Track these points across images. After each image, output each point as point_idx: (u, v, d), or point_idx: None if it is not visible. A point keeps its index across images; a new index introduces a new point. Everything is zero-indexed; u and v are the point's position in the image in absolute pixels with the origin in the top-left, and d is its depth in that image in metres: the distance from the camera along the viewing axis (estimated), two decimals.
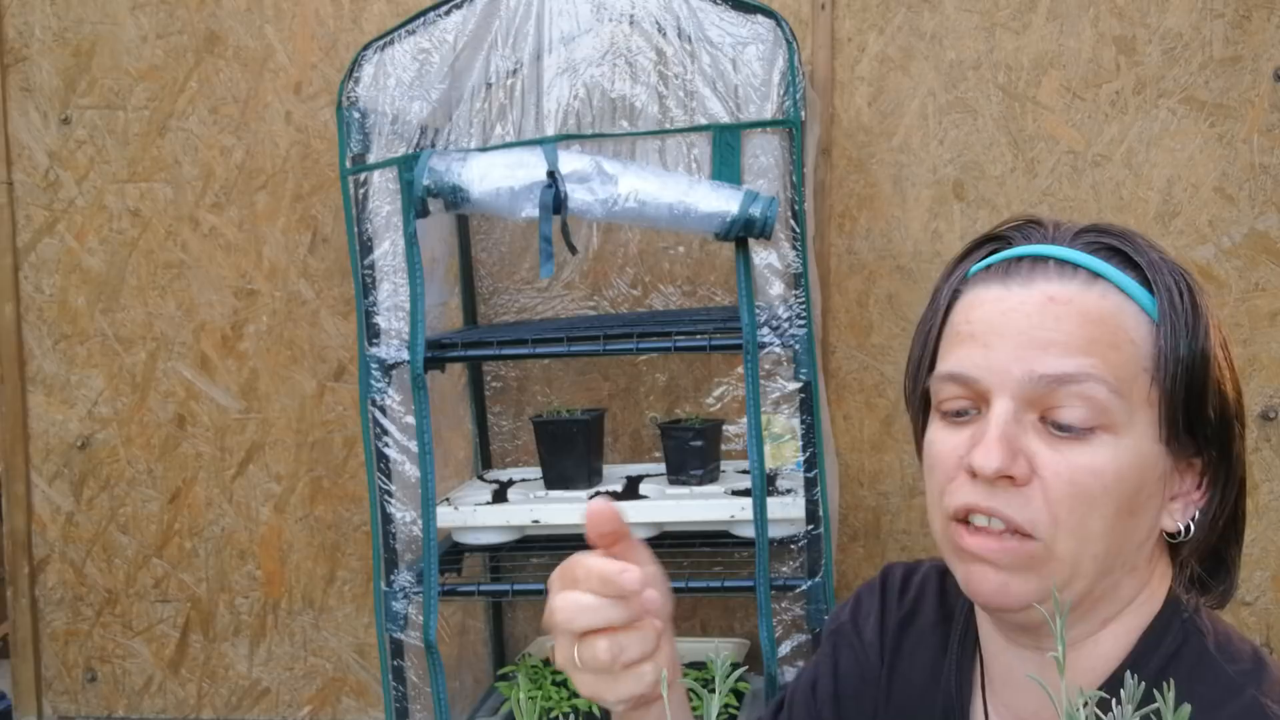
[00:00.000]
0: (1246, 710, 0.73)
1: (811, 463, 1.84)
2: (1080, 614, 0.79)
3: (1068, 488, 0.74)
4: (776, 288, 1.86)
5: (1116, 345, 0.75)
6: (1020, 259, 0.80)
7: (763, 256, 1.85)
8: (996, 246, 0.84)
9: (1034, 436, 0.75)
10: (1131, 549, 0.78)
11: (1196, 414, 0.78)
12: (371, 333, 1.92)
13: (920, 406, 0.86)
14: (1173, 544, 0.82)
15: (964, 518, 0.77)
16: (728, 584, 1.92)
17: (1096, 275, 0.77)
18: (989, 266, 0.82)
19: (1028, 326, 0.76)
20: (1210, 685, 0.75)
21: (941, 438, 0.80)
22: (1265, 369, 2.19)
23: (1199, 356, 0.77)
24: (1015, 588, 0.76)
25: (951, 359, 0.80)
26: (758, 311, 1.81)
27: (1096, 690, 0.79)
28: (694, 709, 2.03)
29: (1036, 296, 0.77)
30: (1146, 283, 0.78)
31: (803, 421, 1.86)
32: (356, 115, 1.91)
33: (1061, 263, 0.78)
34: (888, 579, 1.01)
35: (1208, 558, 0.84)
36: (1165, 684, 0.56)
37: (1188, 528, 0.80)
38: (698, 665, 2.14)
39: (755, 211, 1.73)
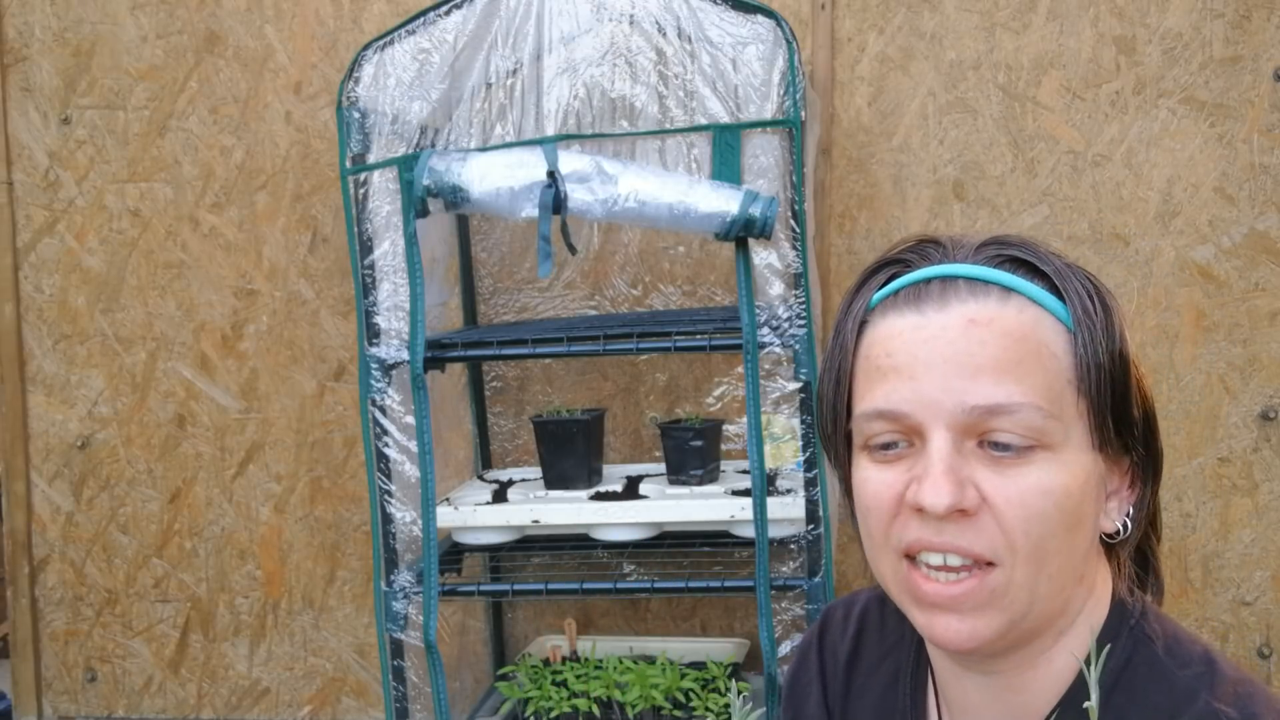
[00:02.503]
0: (1200, 718, 0.73)
1: (811, 463, 1.84)
2: (1037, 633, 0.78)
3: (1020, 511, 0.72)
4: (776, 288, 1.86)
5: (1041, 362, 0.74)
6: (928, 281, 0.77)
7: (763, 256, 1.85)
8: (895, 271, 0.81)
9: (976, 464, 0.73)
10: (1079, 560, 0.77)
11: (1124, 416, 0.77)
12: (371, 333, 1.92)
13: (844, 446, 0.83)
14: (1108, 544, 0.82)
15: (914, 555, 0.75)
16: (728, 584, 1.92)
17: (1009, 290, 0.76)
18: (895, 293, 0.79)
19: (953, 354, 0.74)
20: (1164, 694, 0.75)
21: (875, 476, 0.77)
22: (1265, 369, 2.19)
23: (1118, 359, 0.76)
24: (982, 629, 0.74)
25: (878, 395, 0.77)
26: (758, 311, 1.81)
27: (1054, 708, 0.78)
28: (694, 709, 2.03)
29: (956, 320, 0.75)
30: (1056, 291, 0.76)
31: (803, 421, 1.86)
32: (356, 115, 1.91)
33: (972, 281, 0.76)
34: (828, 623, 1.00)
35: (1138, 555, 0.85)
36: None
37: (1125, 525, 0.80)
38: (698, 665, 2.13)
39: (755, 211, 1.73)
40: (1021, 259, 0.78)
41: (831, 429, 0.83)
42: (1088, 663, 0.78)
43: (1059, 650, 0.79)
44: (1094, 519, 0.77)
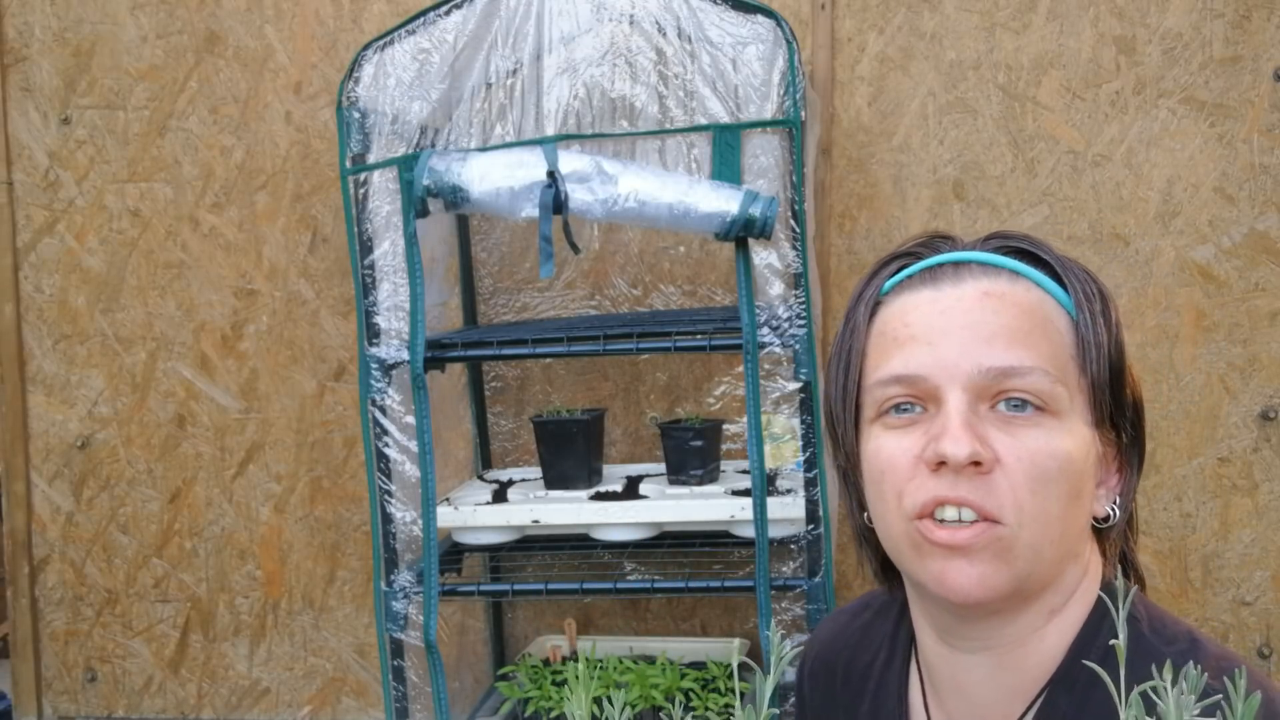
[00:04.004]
0: None
1: (811, 463, 1.84)
2: (1030, 604, 0.81)
3: (1029, 469, 0.76)
4: (776, 288, 1.86)
5: (1048, 335, 0.79)
6: (942, 265, 0.83)
7: (763, 256, 1.85)
8: (905, 263, 0.86)
9: (988, 425, 0.77)
10: (1076, 534, 0.81)
11: (1118, 398, 0.82)
12: (371, 333, 1.92)
13: (852, 425, 0.86)
14: (1098, 531, 0.85)
15: (929, 513, 0.78)
16: (728, 584, 1.92)
17: (1016, 273, 0.82)
18: (910, 277, 0.85)
19: (968, 321, 0.79)
20: (1149, 669, 0.77)
21: (891, 443, 0.81)
22: (1265, 369, 2.19)
23: (1115, 344, 0.81)
24: (991, 577, 0.77)
25: (895, 362, 0.81)
26: (758, 311, 1.81)
27: (1044, 687, 0.81)
28: (694, 708, 2.03)
29: (971, 292, 0.80)
30: (1058, 279, 0.82)
31: (803, 421, 1.86)
32: (356, 115, 1.91)
33: (984, 265, 0.82)
34: (805, 660, 1.04)
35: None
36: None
37: (1113, 511, 0.84)
38: (698, 665, 2.14)
39: (755, 211, 1.73)
40: (1025, 249, 0.84)
41: (840, 408, 0.86)
42: (1112, 595, 0.79)
43: (1051, 629, 0.82)
44: (1090, 498, 0.81)
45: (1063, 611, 0.82)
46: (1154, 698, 0.54)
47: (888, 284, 0.86)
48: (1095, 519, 0.84)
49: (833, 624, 1.04)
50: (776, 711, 0.66)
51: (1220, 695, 0.73)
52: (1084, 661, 0.79)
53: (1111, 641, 0.79)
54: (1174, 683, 0.53)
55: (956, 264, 0.83)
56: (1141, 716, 0.53)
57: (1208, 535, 2.24)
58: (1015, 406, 0.77)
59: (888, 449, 0.81)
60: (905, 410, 0.80)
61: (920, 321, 0.81)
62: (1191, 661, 0.76)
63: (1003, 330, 0.78)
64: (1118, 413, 0.82)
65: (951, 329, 0.79)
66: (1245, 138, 2.17)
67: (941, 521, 0.78)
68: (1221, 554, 2.24)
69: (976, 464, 0.76)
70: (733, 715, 0.67)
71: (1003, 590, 0.78)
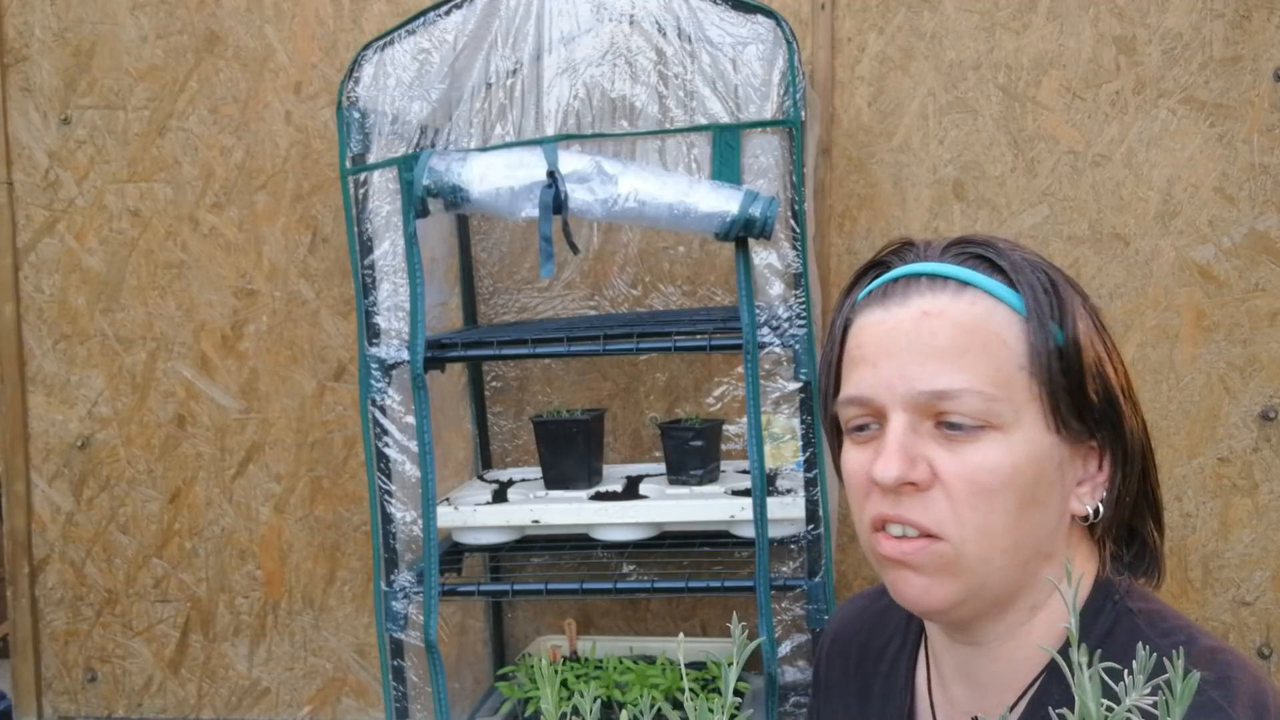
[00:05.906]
0: None
1: (811, 463, 1.84)
2: (1006, 606, 0.83)
3: (968, 486, 0.78)
4: (776, 288, 1.86)
5: (988, 350, 0.80)
6: (896, 280, 0.85)
7: (763, 256, 1.85)
8: (878, 272, 0.89)
9: (930, 442, 0.80)
10: (1043, 538, 0.82)
11: (1080, 399, 0.81)
12: (371, 333, 1.92)
13: (834, 431, 0.91)
14: (1090, 526, 0.86)
15: (881, 527, 0.83)
16: (728, 584, 1.92)
17: (965, 284, 0.82)
18: (872, 292, 0.87)
19: (906, 343, 0.81)
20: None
21: (853, 457, 0.86)
22: (1265, 369, 2.19)
23: (1070, 344, 0.81)
24: (937, 591, 0.81)
25: (850, 383, 0.85)
26: (758, 311, 1.81)
27: (1039, 674, 0.84)
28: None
29: (912, 313, 0.82)
30: (1011, 283, 0.82)
31: (803, 421, 1.86)
32: (356, 115, 1.91)
33: (933, 277, 0.83)
34: (823, 647, 1.09)
35: (1127, 537, 0.88)
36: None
37: (1098, 509, 0.84)
38: (698, 665, 2.14)
39: (755, 211, 1.73)
40: (982, 255, 0.84)
41: (824, 415, 0.93)
42: (1109, 589, 0.84)
43: (1038, 622, 0.84)
44: (1058, 500, 0.82)
45: (1046, 606, 0.84)
46: (1105, 679, 0.56)
47: (859, 296, 0.89)
48: (1080, 517, 0.85)
49: (851, 606, 1.08)
50: (739, 700, 0.67)
51: (1201, 681, 0.75)
52: (1040, 646, 0.82)
53: (1060, 625, 0.82)
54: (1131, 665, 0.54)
55: (907, 281, 0.84)
56: (1097, 696, 0.54)
57: (1208, 535, 2.24)
58: (954, 425, 0.79)
59: (851, 463, 0.86)
60: (865, 428, 0.85)
61: (870, 342, 0.84)
62: (1173, 650, 0.77)
63: (936, 352, 0.80)
64: (1084, 413, 0.82)
65: (893, 350, 0.82)
66: (1245, 138, 2.17)
67: (889, 534, 0.82)
68: (1221, 554, 2.24)
69: (912, 484, 0.79)
70: (733, 715, 0.67)
71: (950, 601, 0.81)
